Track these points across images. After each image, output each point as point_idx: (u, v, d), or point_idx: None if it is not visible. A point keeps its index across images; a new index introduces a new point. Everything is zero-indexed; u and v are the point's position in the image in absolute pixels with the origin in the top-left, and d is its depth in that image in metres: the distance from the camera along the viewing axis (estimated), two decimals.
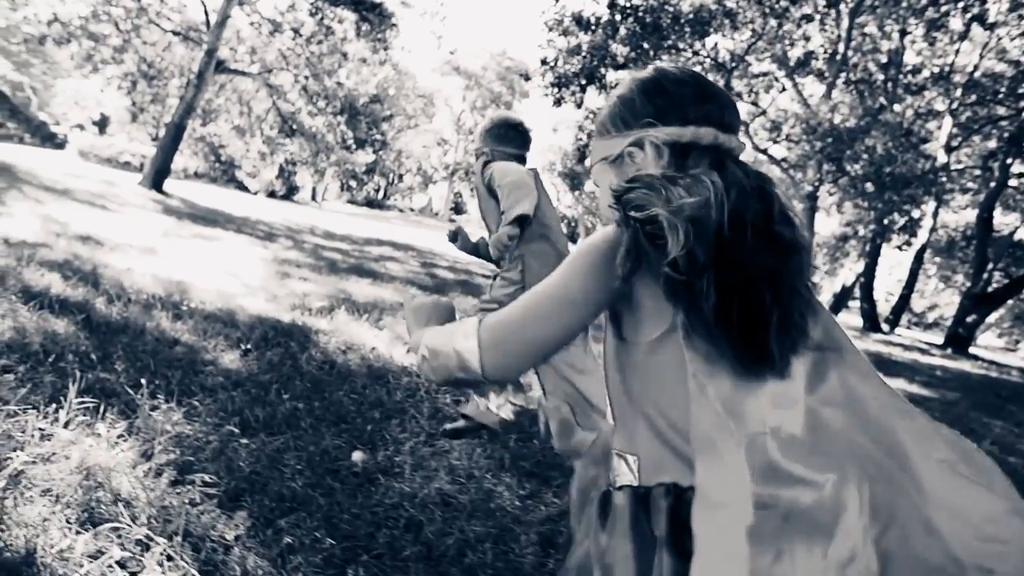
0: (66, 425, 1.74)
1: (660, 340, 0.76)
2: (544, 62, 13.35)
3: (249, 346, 3.07)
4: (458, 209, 59.68)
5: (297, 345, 3.30)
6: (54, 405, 1.82)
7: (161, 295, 3.84)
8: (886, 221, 13.44)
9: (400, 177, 59.18)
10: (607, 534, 0.78)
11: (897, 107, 13.39)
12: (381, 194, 56.25)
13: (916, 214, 14.15)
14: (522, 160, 2.30)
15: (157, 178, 16.01)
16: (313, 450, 2.04)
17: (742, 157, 0.86)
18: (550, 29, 13.99)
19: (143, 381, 2.20)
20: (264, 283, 5.70)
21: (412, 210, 59.37)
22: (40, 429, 1.68)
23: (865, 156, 11.55)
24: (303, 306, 4.50)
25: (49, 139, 27.34)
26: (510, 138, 2.26)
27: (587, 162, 1.11)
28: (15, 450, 1.52)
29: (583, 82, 12.95)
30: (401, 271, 9.84)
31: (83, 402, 1.86)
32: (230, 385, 2.52)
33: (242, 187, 29.63)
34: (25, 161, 15.17)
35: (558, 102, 13.42)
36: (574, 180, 56.37)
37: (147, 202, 13.49)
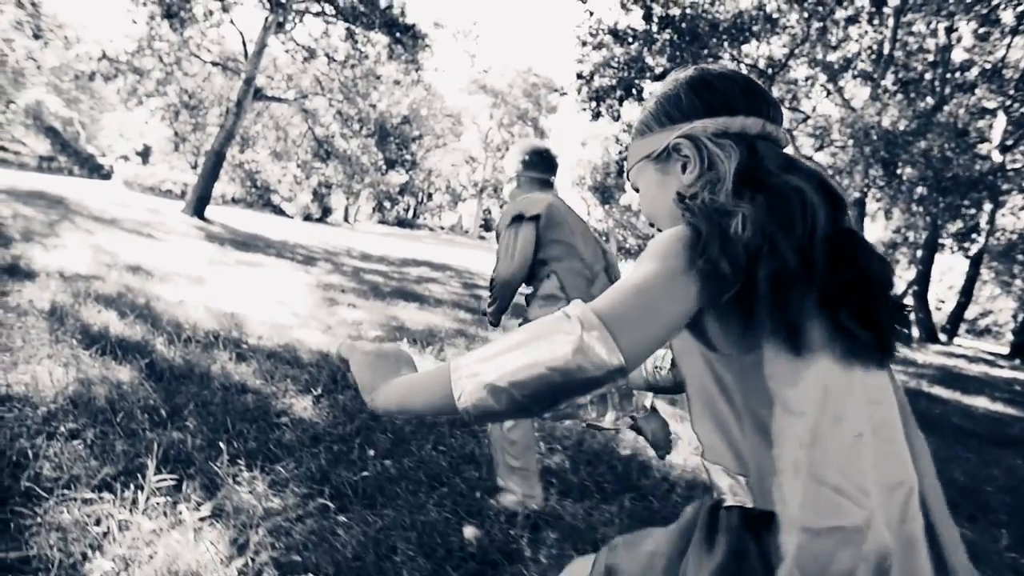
0: (145, 510, 1.55)
1: (758, 349, 0.70)
2: (580, 76, 13.17)
3: (319, 391, 2.86)
4: (487, 226, 59.94)
5: None
6: (132, 485, 1.62)
7: (218, 331, 3.69)
8: (951, 226, 12.72)
9: (429, 196, 59.79)
10: (713, 557, 0.72)
11: (948, 107, 12.76)
12: (411, 213, 56.86)
13: (982, 219, 13.38)
14: (548, 185, 2.36)
15: (199, 205, 16.32)
16: (420, 527, 1.79)
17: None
18: (584, 44, 13.83)
19: (221, 445, 2.00)
20: (314, 311, 5.57)
21: (442, 228, 59.83)
22: (119, 519, 1.48)
23: (921, 159, 10.98)
24: (359, 338, 4.31)
25: (96, 170, 28.38)
26: (537, 164, 2.33)
27: (626, 165, 0.94)
28: (92, 547, 1.32)
29: (620, 95, 12.70)
30: (445, 293, 9.68)
31: (162, 478, 1.67)
32: (308, 440, 2.30)
33: (278, 211, 30.20)
34: (75, 193, 15.66)
35: (596, 116, 13.21)
36: (604, 194, 56.02)
37: (190, 229, 13.73)
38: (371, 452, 2.22)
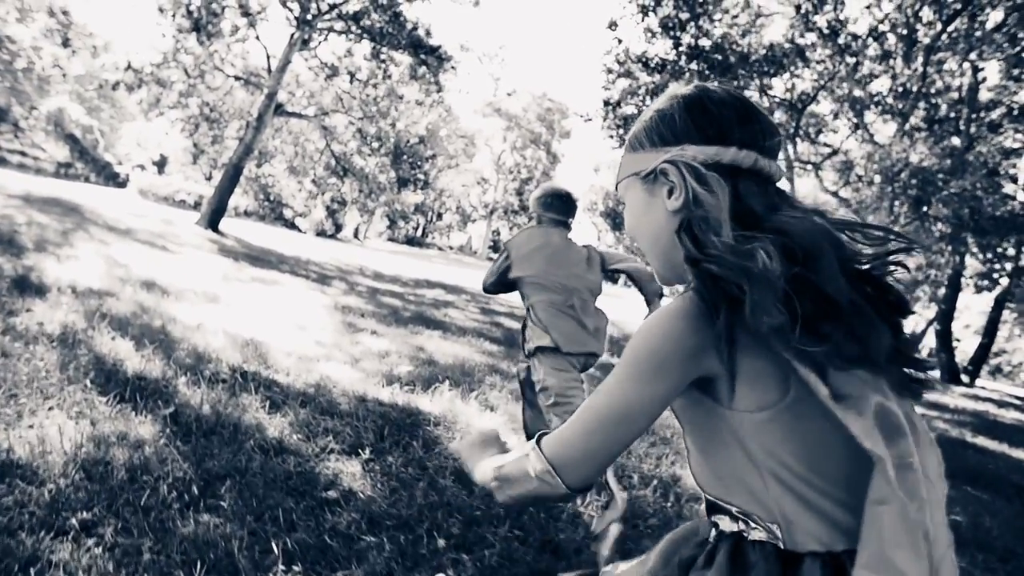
0: None
1: (779, 406, 0.70)
2: (607, 103, 13.02)
3: (368, 453, 2.50)
4: (496, 247, 59.91)
5: (419, 444, 2.73)
6: None
7: (243, 366, 3.38)
8: (996, 267, 12.35)
9: (439, 215, 59.89)
10: None
11: (981, 147, 12.51)
12: (420, 232, 56.88)
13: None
14: (566, 226, 2.58)
15: (213, 217, 16.18)
16: None
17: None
18: (610, 71, 13.72)
19: (270, 541, 1.67)
20: (337, 340, 5.26)
21: (451, 248, 59.79)
22: None
23: (955, 199, 10.71)
24: (393, 377, 3.99)
25: (112, 178, 28.49)
26: (555, 206, 2.55)
27: (617, 176, 0.92)
28: None
29: None
30: (465, 320, 9.37)
31: None
32: (366, 524, 1.92)
33: (290, 225, 30.15)
34: (90, 200, 15.56)
35: (622, 143, 12.98)
36: (616, 220, 55.96)
37: (204, 242, 13.55)
38: (441, 542, 1.87)
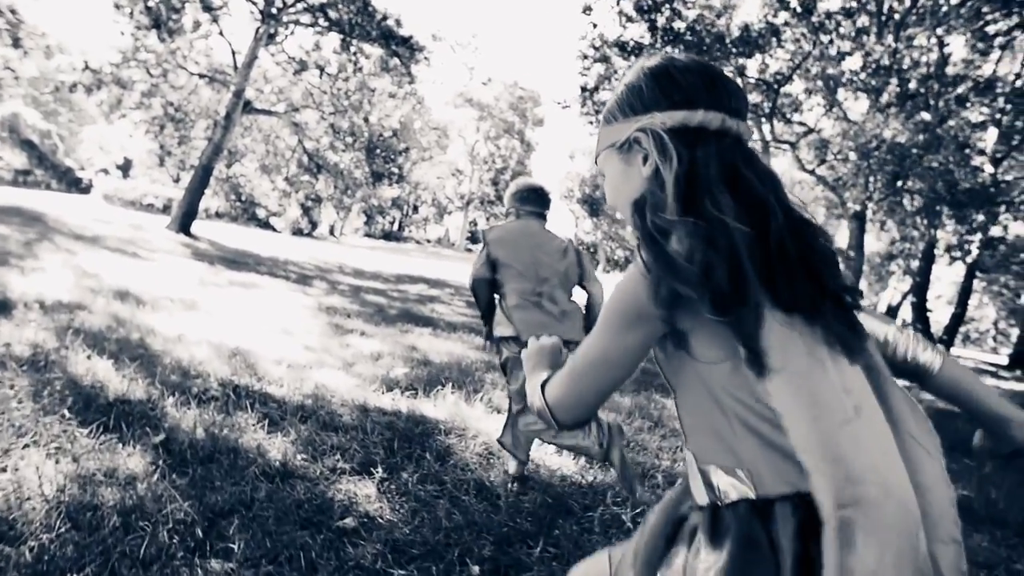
0: None
1: (737, 358, 0.73)
2: (584, 89, 12.86)
3: (381, 470, 2.33)
4: (474, 239, 59.66)
5: (432, 457, 2.59)
6: None
7: (232, 379, 3.17)
8: (973, 239, 12.57)
9: (415, 209, 59.28)
10: (722, 552, 0.73)
11: (951, 121, 12.67)
12: (396, 226, 56.24)
13: (997, 231, 13.27)
14: (542, 217, 2.67)
15: (184, 221, 15.67)
16: None
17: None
18: (585, 57, 13.55)
19: None
20: (325, 343, 5.06)
21: (428, 241, 59.24)
22: None
23: (931, 173, 10.83)
24: (391, 381, 3.82)
25: (75, 184, 27.49)
26: (531, 199, 2.65)
27: (595, 150, 0.98)
28: None
29: None
30: (453, 315, 9.20)
31: None
32: (391, 554, 1.74)
33: (263, 225, 29.46)
34: (54, 208, 14.93)
35: None
36: (592, 206, 55.96)
37: (176, 246, 13.11)
38: (475, 569, 1.71)
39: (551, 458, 2.87)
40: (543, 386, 0.92)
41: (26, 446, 1.93)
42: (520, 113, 59.84)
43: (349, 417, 2.88)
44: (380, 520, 1.92)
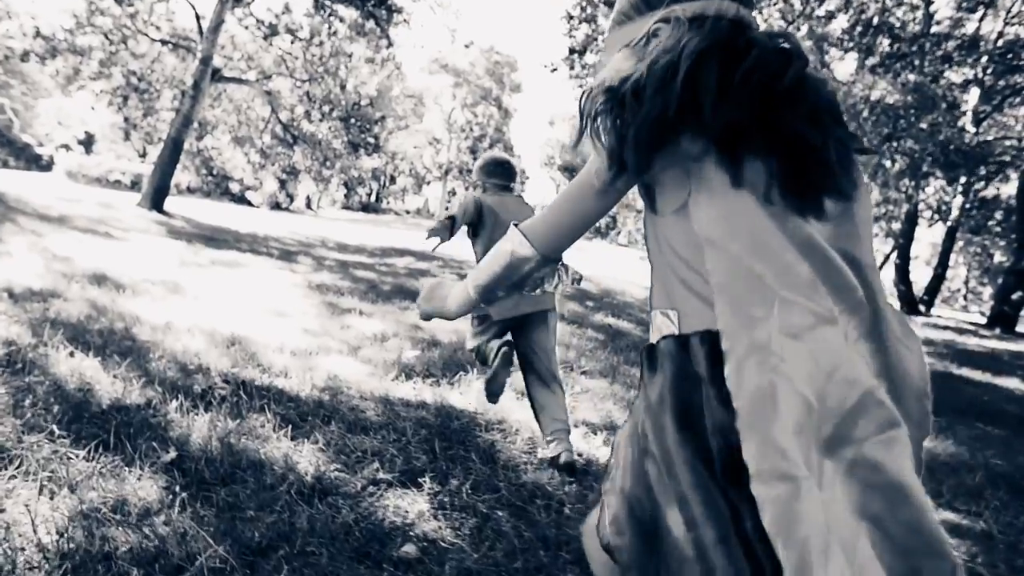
0: None
1: (683, 208, 0.84)
2: (572, 51, 12.38)
3: (431, 478, 2.07)
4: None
5: (479, 458, 2.32)
6: None
7: (235, 372, 2.86)
8: (955, 200, 12.53)
9: (392, 179, 58.07)
10: (658, 376, 0.86)
11: (940, 81, 12.53)
12: (374, 198, 55.08)
13: (991, 191, 13.27)
14: (508, 189, 2.79)
15: (156, 197, 14.94)
16: None
17: None
18: (571, 17, 13.01)
19: None
20: (324, 325, 4.74)
21: (408, 212, 58.22)
22: None
23: (926, 134, 10.70)
24: (407, 368, 3.53)
25: (35, 161, 26.15)
26: (497, 172, 2.79)
27: (600, 56, 1.08)
28: None
29: None
30: None
31: None
32: None
33: (237, 199, 28.47)
34: (13, 187, 14.09)
35: None
36: (574, 173, 55.51)
37: (150, 224, 12.48)
38: None
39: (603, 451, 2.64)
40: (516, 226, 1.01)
41: (12, 477, 1.58)
42: (497, 79, 58.46)
43: (374, 413, 2.60)
44: (443, 543, 1.65)
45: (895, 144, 11.57)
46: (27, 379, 2.27)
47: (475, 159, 58.16)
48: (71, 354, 2.76)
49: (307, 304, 5.88)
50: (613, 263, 20.59)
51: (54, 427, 1.87)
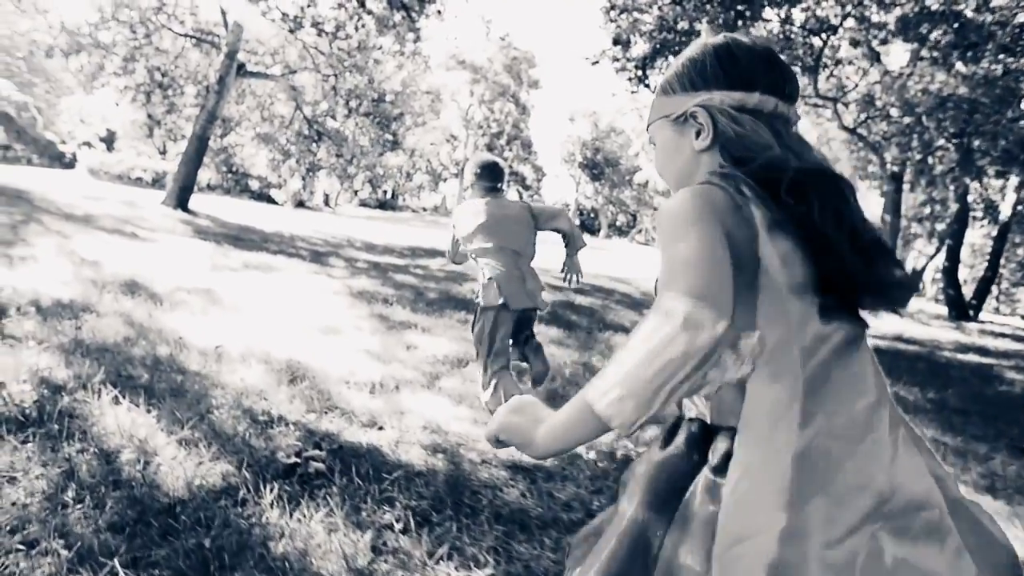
0: None
1: (746, 289, 0.76)
2: (617, 42, 11.72)
3: None
4: None
5: None
6: None
7: (311, 421, 2.30)
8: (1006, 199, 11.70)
9: (409, 176, 57.68)
10: (667, 451, 0.86)
11: (1010, 72, 11.70)
12: (391, 195, 54.72)
13: None
14: (497, 190, 2.92)
15: (182, 195, 14.56)
16: None
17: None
18: (612, 7, 12.34)
19: None
20: (386, 346, 4.19)
21: (424, 209, 57.80)
22: None
23: (1008, 131, 9.92)
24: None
25: (57, 159, 26.04)
26: (484, 175, 2.90)
27: (648, 118, 0.92)
28: None
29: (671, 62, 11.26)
30: None
31: None
32: None
33: (257, 197, 28.12)
34: (38, 185, 13.77)
35: (641, 83, 11.69)
36: (594, 170, 54.51)
37: (176, 224, 12.07)
38: None
39: None
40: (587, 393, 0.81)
41: None
42: (515, 75, 57.78)
43: (522, 493, 1.95)
44: None
45: (964, 141, 10.79)
46: (66, 448, 1.72)
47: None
48: (115, 399, 2.22)
49: (356, 317, 5.35)
50: (635, 260, 19.94)
51: (108, 535, 1.29)
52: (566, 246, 2.86)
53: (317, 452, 1.90)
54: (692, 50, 0.91)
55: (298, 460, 1.86)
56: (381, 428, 2.39)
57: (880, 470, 0.71)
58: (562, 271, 2.85)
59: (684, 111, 0.86)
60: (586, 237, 3.02)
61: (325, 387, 2.84)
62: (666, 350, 0.67)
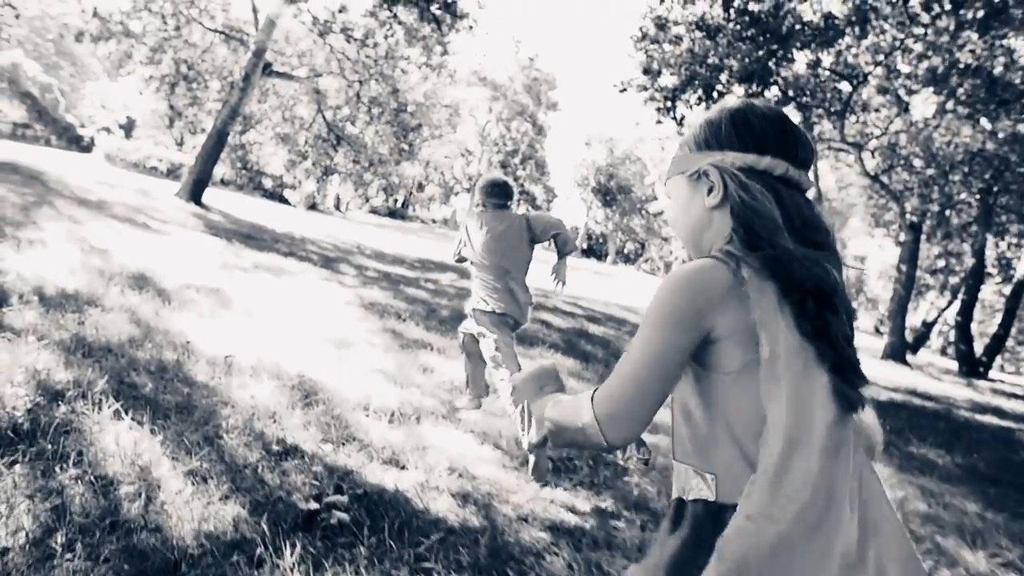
0: None
1: (748, 368, 0.79)
2: (647, 71, 11.66)
3: None
4: None
5: None
6: None
7: (329, 456, 2.09)
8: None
9: (420, 187, 57.82)
10: (676, 538, 0.83)
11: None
12: (401, 204, 54.80)
13: None
14: (506, 207, 3.04)
15: (196, 189, 14.46)
16: None
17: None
18: (644, 37, 12.32)
19: None
20: (400, 366, 3.98)
21: (434, 221, 57.85)
22: None
23: (1019, 184, 9.78)
24: (548, 458, 2.74)
25: (75, 142, 26.12)
26: (495, 193, 3.03)
27: (666, 172, 0.99)
28: None
29: (699, 96, 11.17)
30: (535, 326, 8.13)
31: None
32: None
33: (269, 196, 28.10)
34: (54, 167, 13.70)
35: (670, 113, 11.58)
36: (607, 196, 54.57)
37: (188, 217, 11.95)
38: None
39: None
40: (592, 395, 0.88)
41: None
42: (534, 95, 58.23)
43: (568, 564, 1.68)
44: None
45: (990, 197, 10.64)
46: (58, 474, 1.52)
47: (505, 175, 58.33)
48: (116, 413, 2.01)
49: (368, 331, 5.15)
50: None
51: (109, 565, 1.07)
52: (558, 249, 3.00)
53: (339, 498, 1.68)
54: (711, 112, 0.96)
55: (319, 506, 1.64)
56: (404, 468, 2.17)
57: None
58: (551, 275, 3.03)
59: (698, 169, 0.91)
60: (592, 263, 3.19)
61: (341, 413, 2.62)
62: (574, 425, 0.85)
